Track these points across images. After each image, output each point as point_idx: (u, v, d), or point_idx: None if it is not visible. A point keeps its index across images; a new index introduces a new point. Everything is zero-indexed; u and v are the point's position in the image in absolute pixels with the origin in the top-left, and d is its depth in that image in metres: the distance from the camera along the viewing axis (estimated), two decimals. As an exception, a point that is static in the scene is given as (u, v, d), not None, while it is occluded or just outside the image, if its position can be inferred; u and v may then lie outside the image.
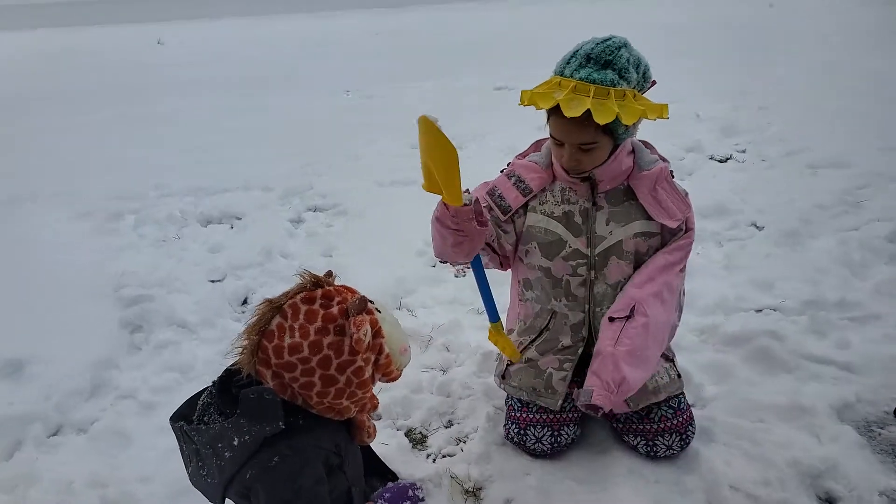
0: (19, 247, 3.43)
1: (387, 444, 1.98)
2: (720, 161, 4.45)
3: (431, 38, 11.27)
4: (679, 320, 1.94)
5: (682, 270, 1.83)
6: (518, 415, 1.92)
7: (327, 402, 1.31)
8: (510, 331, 2.02)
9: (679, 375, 1.92)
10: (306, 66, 9.10)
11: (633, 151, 1.74)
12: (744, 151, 4.57)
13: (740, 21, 11.08)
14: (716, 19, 11.48)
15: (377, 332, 1.33)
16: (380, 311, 1.38)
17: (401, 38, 11.56)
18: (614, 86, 1.49)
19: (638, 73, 1.55)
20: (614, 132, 1.59)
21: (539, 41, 9.54)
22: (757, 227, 3.33)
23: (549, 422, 1.89)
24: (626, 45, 1.55)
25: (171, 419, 1.34)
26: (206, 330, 2.63)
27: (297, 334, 1.25)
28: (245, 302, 2.89)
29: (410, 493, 1.69)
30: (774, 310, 2.58)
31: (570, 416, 1.90)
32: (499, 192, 1.82)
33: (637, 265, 1.78)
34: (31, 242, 3.50)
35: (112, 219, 3.85)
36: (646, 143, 1.83)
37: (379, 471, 1.76)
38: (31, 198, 4.13)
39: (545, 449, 1.89)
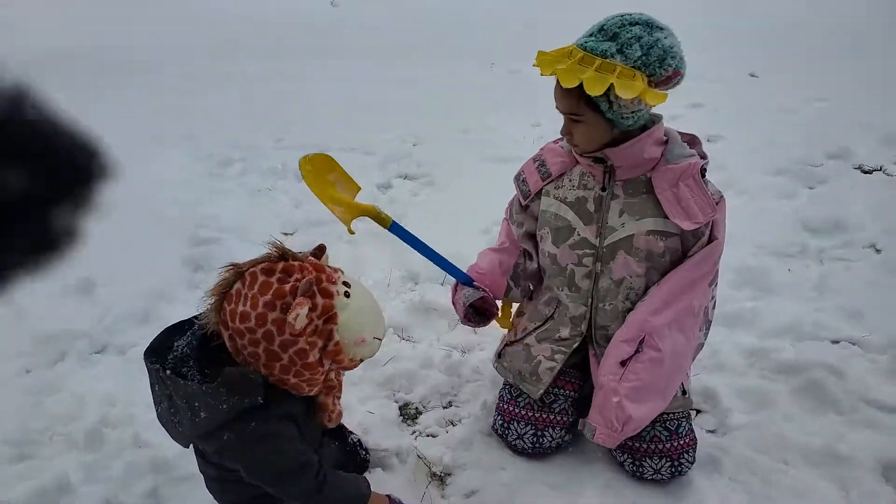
0: (133, 178, 3.83)
1: (373, 412, 2.00)
2: (865, 172, 3.92)
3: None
4: (706, 338, 1.80)
5: (712, 285, 1.70)
6: (505, 406, 1.87)
7: (275, 375, 1.33)
8: (521, 313, 1.99)
9: (685, 392, 1.76)
10: (457, 37, 9.17)
11: (666, 143, 1.62)
12: (903, 165, 3.99)
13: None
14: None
15: (329, 318, 1.30)
16: (348, 297, 1.34)
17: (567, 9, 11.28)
18: (605, 57, 1.41)
19: (649, 56, 1.42)
20: (601, 108, 1.48)
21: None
22: (876, 250, 2.91)
23: (533, 420, 1.82)
24: (645, 23, 1.44)
25: (145, 355, 1.38)
26: (260, 278, 2.79)
27: (248, 303, 1.27)
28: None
29: None
30: (853, 343, 2.25)
31: (558, 419, 1.82)
32: (523, 176, 1.82)
33: (651, 266, 1.65)
34: (144, 176, 3.88)
35: (222, 164, 4.18)
36: (690, 138, 1.69)
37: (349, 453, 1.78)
38: (159, 139, 4.58)
39: (526, 447, 1.82)
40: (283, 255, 1.33)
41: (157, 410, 1.43)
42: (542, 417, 1.82)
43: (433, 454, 1.86)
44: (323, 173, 1.85)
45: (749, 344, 2.26)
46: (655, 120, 1.60)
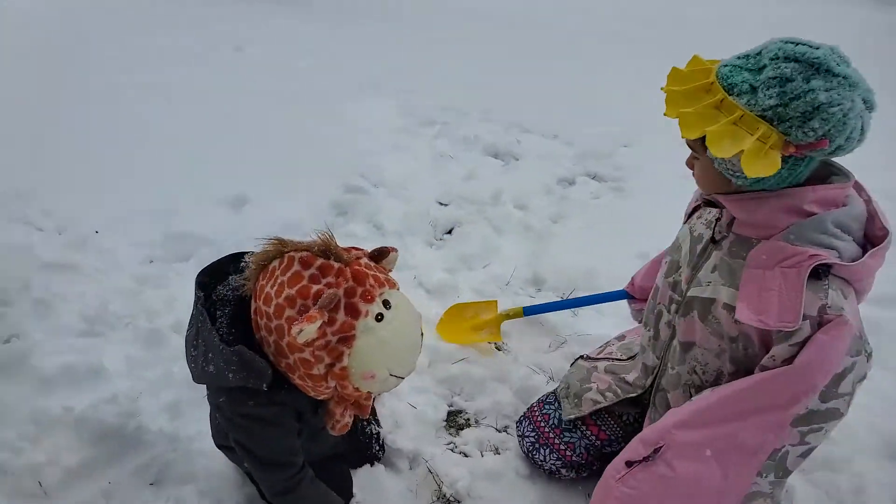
0: (329, 118, 4.08)
1: (415, 407, 1.87)
2: None
3: None
4: (773, 488, 1.31)
5: (799, 426, 1.20)
6: (535, 405, 1.80)
7: (281, 368, 1.26)
8: (622, 336, 1.87)
9: None
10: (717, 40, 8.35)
11: (809, 216, 1.18)
12: None
13: None
14: None
15: (345, 339, 1.18)
16: (380, 320, 1.20)
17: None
18: (731, 93, 1.10)
19: (787, 108, 1.06)
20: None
21: None
22: None
23: (540, 432, 1.70)
24: (809, 62, 1.06)
25: (198, 276, 1.36)
26: (393, 239, 2.78)
27: (275, 287, 1.20)
28: (450, 232, 2.95)
29: None
30: None
31: (562, 447, 1.66)
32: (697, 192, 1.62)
33: (725, 348, 1.30)
34: (343, 118, 4.12)
35: (423, 124, 4.26)
36: (881, 233, 1.22)
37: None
38: (377, 87, 4.82)
39: (522, 450, 1.75)
40: (327, 250, 1.21)
41: (188, 330, 1.42)
42: (548, 434, 1.68)
43: (452, 474, 1.68)
44: (459, 320, 2.24)
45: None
46: (835, 181, 1.19)
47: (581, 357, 1.84)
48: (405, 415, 1.85)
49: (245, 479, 1.59)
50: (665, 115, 1.16)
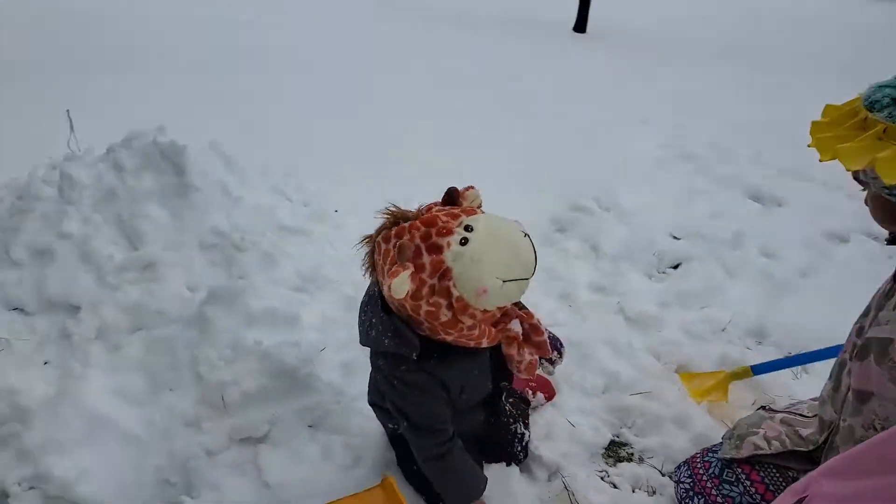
0: (589, 144, 4.15)
1: (574, 426, 1.79)
2: None
3: None
4: None
5: None
6: (699, 453, 1.62)
7: (429, 333, 1.33)
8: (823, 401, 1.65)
9: None
10: None
11: None
12: None
13: None
14: None
15: (443, 274, 1.22)
16: (465, 244, 1.21)
17: None
18: (872, 110, 1.07)
19: None
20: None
21: None
22: None
23: (697, 478, 1.53)
24: None
25: None
26: (606, 263, 2.71)
27: (382, 273, 1.29)
28: (676, 267, 2.77)
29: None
30: None
31: (718, 499, 1.48)
32: None
33: None
34: (598, 144, 4.14)
35: (684, 159, 4.10)
36: None
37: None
38: (644, 120, 4.75)
39: (676, 495, 1.58)
40: (396, 220, 1.29)
41: (363, 297, 1.55)
42: (705, 483, 1.52)
43: (591, 499, 1.59)
44: (686, 385, 2.07)
45: None
46: None
47: (762, 407, 1.65)
48: (560, 429, 1.79)
49: (388, 445, 1.68)
50: (809, 146, 1.12)
